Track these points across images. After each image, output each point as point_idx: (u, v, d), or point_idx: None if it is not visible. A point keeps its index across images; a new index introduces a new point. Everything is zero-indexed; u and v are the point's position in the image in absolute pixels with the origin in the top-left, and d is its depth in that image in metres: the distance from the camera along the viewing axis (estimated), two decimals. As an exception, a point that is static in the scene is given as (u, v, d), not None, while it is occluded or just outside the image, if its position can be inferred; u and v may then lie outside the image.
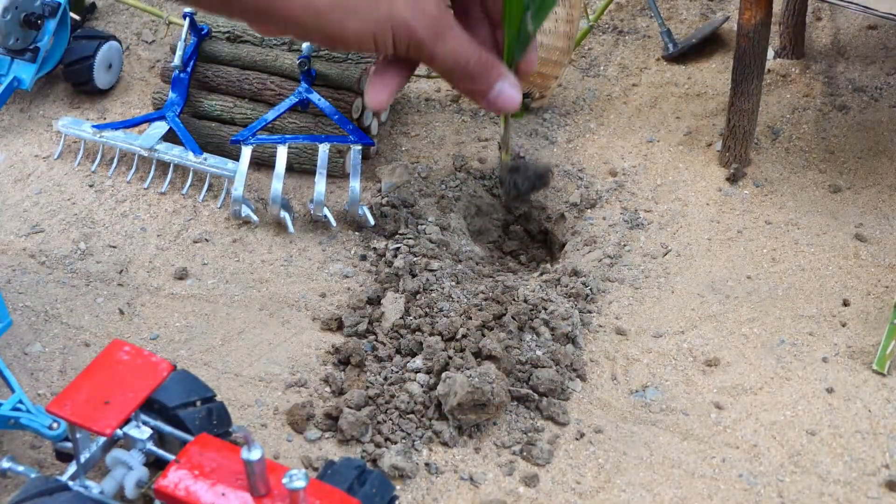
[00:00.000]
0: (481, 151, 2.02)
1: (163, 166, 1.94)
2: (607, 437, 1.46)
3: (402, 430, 1.44)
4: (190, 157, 1.90)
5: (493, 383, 1.41)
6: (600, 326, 1.64)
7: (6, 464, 1.28)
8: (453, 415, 1.43)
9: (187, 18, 2.00)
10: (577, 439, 1.45)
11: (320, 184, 1.82)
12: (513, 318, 1.56)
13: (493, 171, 1.97)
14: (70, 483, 1.21)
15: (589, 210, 1.92)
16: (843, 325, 1.64)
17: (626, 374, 1.56)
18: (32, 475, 1.25)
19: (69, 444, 1.29)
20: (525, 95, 1.82)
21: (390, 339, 1.58)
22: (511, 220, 1.97)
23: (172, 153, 1.92)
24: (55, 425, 1.31)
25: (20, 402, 1.34)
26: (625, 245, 1.82)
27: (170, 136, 1.95)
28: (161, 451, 1.24)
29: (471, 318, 1.54)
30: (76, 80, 2.14)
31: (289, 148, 1.89)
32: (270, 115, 1.92)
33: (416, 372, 1.51)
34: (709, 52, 2.33)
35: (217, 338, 1.61)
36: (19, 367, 1.54)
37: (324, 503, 1.12)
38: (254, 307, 1.67)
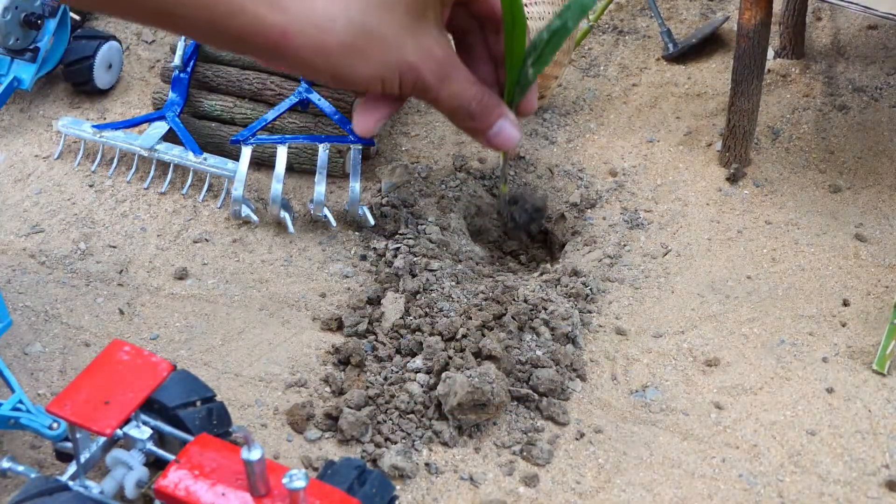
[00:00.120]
0: (481, 151, 2.02)
1: (163, 166, 1.94)
2: (607, 437, 1.46)
3: (402, 430, 1.44)
4: (190, 157, 1.90)
5: (493, 383, 1.41)
6: (600, 326, 1.64)
7: (6, 464, 1.28)
8: (453, 415, 1.43)
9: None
10: (577, 439, 1.45)
11: (320, 184, 1.82)
12: (513, 318, 1.56)
13: (492, 172, 1.97)
14: (70, 483, 1.21)
15: (589, 210, 1.92)
16: (843, 325, 1.64)
17: (626, 374, 1.56)
18: (32, 475, 1.25)
19: (69, 444, 1.29)
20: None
21: (390, 339, 1.58)
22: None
23: (172, 153, 1.92)
24: (55, 425, 1.31)
25: (20, 402, 1.34)
26: (625, 245, 1.82)
27: (170, 136, 1.95)
28: (161, 451, 1.24)
29: (471, 318, 1.54)
30: (76, 80, 2.14)
31: (289, 148, 1.89)
32: (270, 115, 1.92)
33: (416, 372, 1.51)
34: (709, 52, 2.33)
35: (217, 338, 1.61)
36: (19, 367, 1.54)
37: (324, 503, 1.12)
38: (254, 307, 1.67)
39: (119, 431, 1.22)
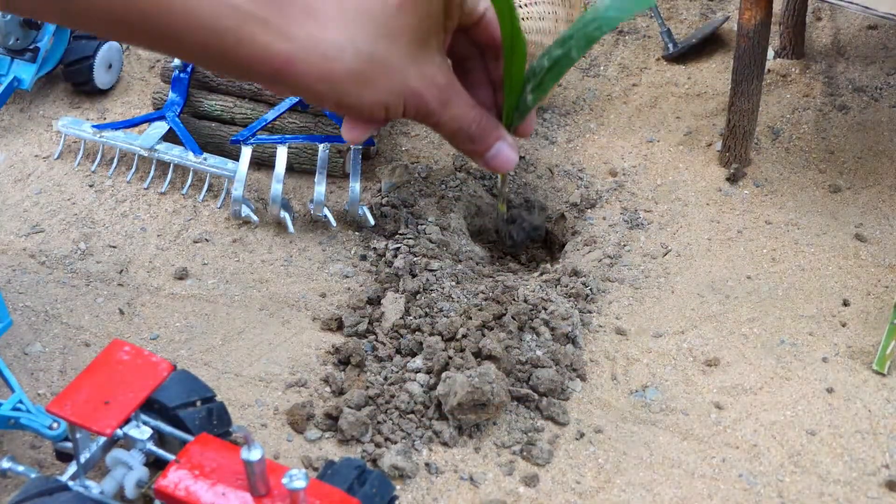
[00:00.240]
0: (481, 151, 2.02)
1: (163, 166, 1.94)
2: (607, 437, 1.46)
3: (402, 430, 1.44)
4: (190, 157, 1.90)
5: (493, 383, 1.41)
6: (600, 326, 1.64)
7: (6, 464, 1.28)
8: (453, 415, 1.42)
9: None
10: (577, 439, 1.45)
11: (320, 184, 1.82)
12: (513, 318, 1.56)
13: (493, 173, 1.97)
14: (70, 483, 1.21)
15: (589, 210, 1.92)
16: (843, 325, 1.64)
17: (626, 374, 1.56)
18: (32, 475, 1.25)
19: (69, 444, 1.29)
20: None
21: (390, 339, 1.58)
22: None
23: (172, 153, 1.92)
24: (55, 425, 1.31)
25: (20, 402, 1.34)
26: (625, 245, 1.82)
27: (170, 136, 1.95)
28: (161, 451, 1.24)
29: (471, 318, 1.54)
30: (76, 80, 2.14)
31: (289, 148, 1.89)
32: (270, 115, 1.92)
33: (416, 372, 1.51)
34: (709, 52, 2.33)
35: (217, 338, 1.61)
36: (19, 367, 1.54)
37: (324, 503, 1.12)
38: (254, 307, 1.67)
39: (119, 431, 1.22)
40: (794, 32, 2.25)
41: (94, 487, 1.22)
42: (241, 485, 1.12)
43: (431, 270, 1.69)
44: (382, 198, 1.87)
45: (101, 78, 2.15)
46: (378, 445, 1.42)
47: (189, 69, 2.02)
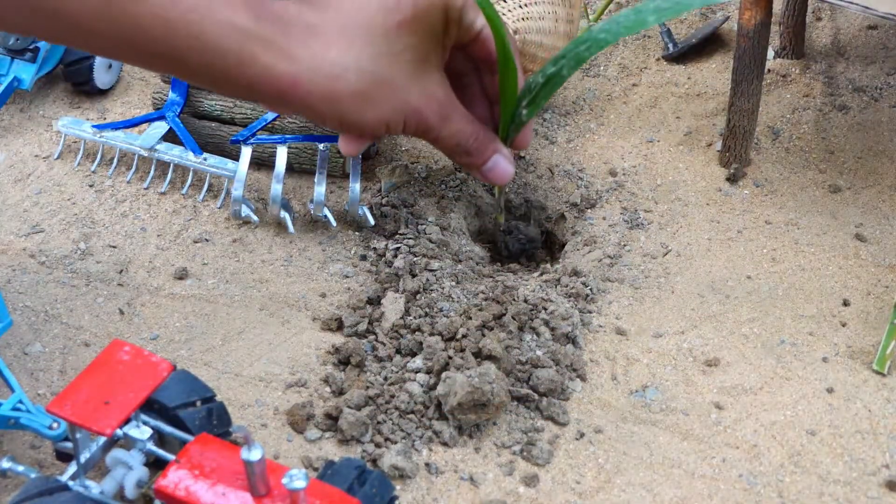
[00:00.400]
0: (481, 151, 2.02)
1: (163, 166, 1.94)
2: (607, 437, 1.46)
3: (402, 430, 1.44)
4: (190, 157, 1.90)
5: (493, 383, 1.41)
6: (600, 326, 1.64)
7: (6, 464, 1.28)
8: (453, 415, 1.43)
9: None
10: (577, 439, 1.45)
11: (320, 184, 1.82)
12: (513, 318, 1.56)
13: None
14: (70, 483, 1.21)
15: (589, 210, 1.92)
16: (843, 325, 1.64)
17: (626, 374, 1.56)
18: (32, 475, 1.25)
19: (69, 444, 1.29)
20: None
21: (390, 339, 1.58)
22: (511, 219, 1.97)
23: (172, 153, 1.92)
24: (55, 425, 1.31)
25: (20, 402, 1.34)
26: (625, 245, 1.82)
27: (170, 136, 1.95)
28: (161, 451, 1.24)
29: (471, 318, 1.54)
30: (76, 80, 2.14)
31: (289, 148, 1.89)
32: (270, 114, 1.92)
33: (416, 372, 1.51)
34: (709, 52, 2.33)
35: (217, 338, 1.61)
36: (19, 367, 1.54)
37: (324, 503, 1.12)
38: (254, 307, 1.67)
39: (119, 431, 1.22)
40: (794, 32, 2.25)
41: (94, 487, 1.22)
42: (241, 485, 1.12)
43: (431, 270, 1.69)
44: (382, 198, 1.87)
45: (101, 78, 2.15)
46: (378, 445, 1.42)
47: (189, 69, 2.02)
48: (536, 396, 1.48)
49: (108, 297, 1.69)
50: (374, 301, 1.67)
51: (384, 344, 1.57)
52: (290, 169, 1.93)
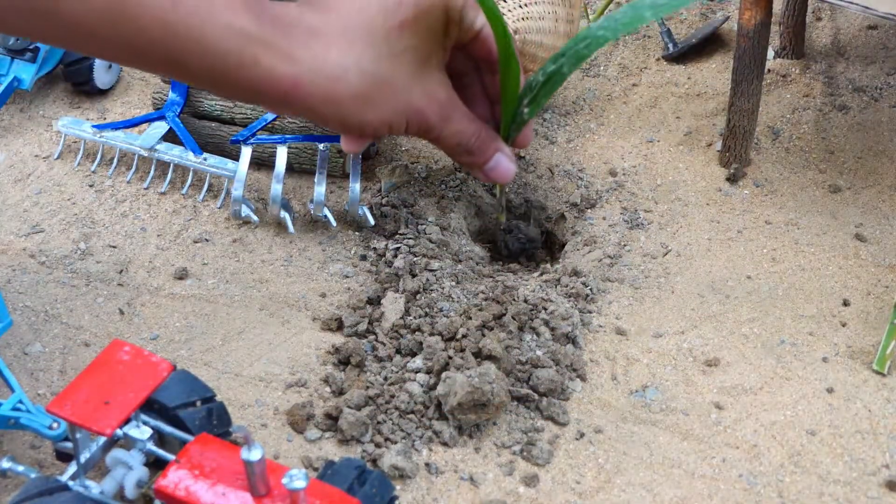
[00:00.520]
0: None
1: (163, 166, 1.94)
2: (607, 437, 1.46)
3: (402, 430, 1.44)
4: (190, 157, 1.90)
5: (493, 383, 1.41)
6: (600, 326, 1.64)
7: (6, 464, 1.28)
8: (453, 415, 1.42)
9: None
10: (577, 439, 1.45)
11: (320, 184, 1.82)
12: (513, 318, 1.56)
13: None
14: (70, 483, 1.21)
15: (589, 210, 1.92)
16: (843, 325, 1.64)
17: (626, 374, 1.56)
18: (32, 475, 1.25)
19: (69, 444, 1.29)
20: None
21: (390, 339, 1.58)
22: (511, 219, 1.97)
23: (172, 153, 1.92)
24: (55, 425, 1.31)
25: (20, 402, 1.34)
26: (625, 245, 1.82)
27: (170, 136, 1.95)
28: (161, 451, 1.24)
29: (471, 318, 1.54)
30: (76, 80, 2.14)
31: (289, 148, 1.89)
32: (270, 115, 1.92)
33: (416, 372, 1.51)
34: (709, 52, 2.33)
35: (217, 338, 1.61)
36: (19, 367, 1.54)
37: (324, 503, 1.12)
38: (254, 307, 1.67)
39: (119, 431, 1.22)
40: (794, 32, 2.25)
41: (94, 487, 1.22)
42: (241, 485, 1.12)
43: (431, 270, 1.69)
44: (382, 198, 1.87)
45: (101, 78, 2.15)
46: (378, 445, 1.42)
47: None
48: (536, 396, 1.48)
49: (108, 297, 1.69)
50: (374, 301, 1.67)
51: (384, 344, 1.57)
52: (290, 169, 1.93)
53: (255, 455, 1.08)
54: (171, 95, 2.00)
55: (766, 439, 1.45)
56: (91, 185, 1.94)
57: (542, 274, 1.76)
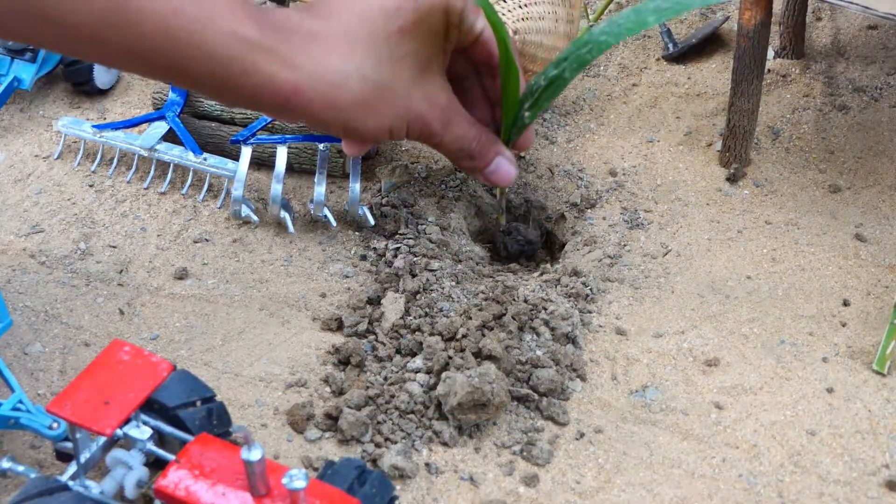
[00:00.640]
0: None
1: (163, 166, 1.94)
2: (607, 437, 1.46)
3: (402, 430, 1.44)
4: (190, 157, 1.90)
5: (493, 383, 1.41)
6: (600, 326, 1.64)
7: (6, 464, 1.28)
8: (453, 415, 1.43)
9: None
10: (577, 439, 1.45)
11: (320, 184, 1.82)
12: (513, 318, 1.56)
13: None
14: (70, 483, 1.21)
15: (589, 210, 1.92)
16: (843, 325, 1.64)
17: (626, 374, 1.56)
18: (32, 475, 1.25)
19: (69, 444, 1.29)
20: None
21: (390, 339, 1.58)
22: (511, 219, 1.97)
23: (172, 153, 1.92)
24: (55, 425, 1.31)
25: (20, 402, 1.34)
26: (625, 245, 1.82)
27: (170, 136, 1.95)
28: (161, 451, 1.24)
29: (471, 318, 1.54)
30: (76, 80, 2.14)
31: (289, 148, 1.89)
32: (270, 115, 1.92)
33: (416, 372, 1.51)
34: (709, 52, 2.33)
35: (217, 338, 1.61)
36: (19, 367, 1.54)
37: (324, 503, 1.12)
38: (254, 307, 1.67)
39: (119, 431, 1.22)
40: (794, 32, 2.25)
41: (94, 487, 1.22)
42: (241, 485, 1.12)
43: (431, 270, 1.69)
44: (382, 198, 1.87)
45: (101, 78, 2.15)
46: (378, 445, 1.42)
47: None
48: (536, 396, 1.48)
49: (108, 297, 1.69)
50: (374, 301, 1.67)
51: (384, 344, 1.57)
52: (290, 169, 1.93)
53: (255, 455, 1.08)
54: (171, 95, 2.00)
55: (766, 439, 1.45)
56: (91, 185, 1.94)
57: (542, 274, 1.76)
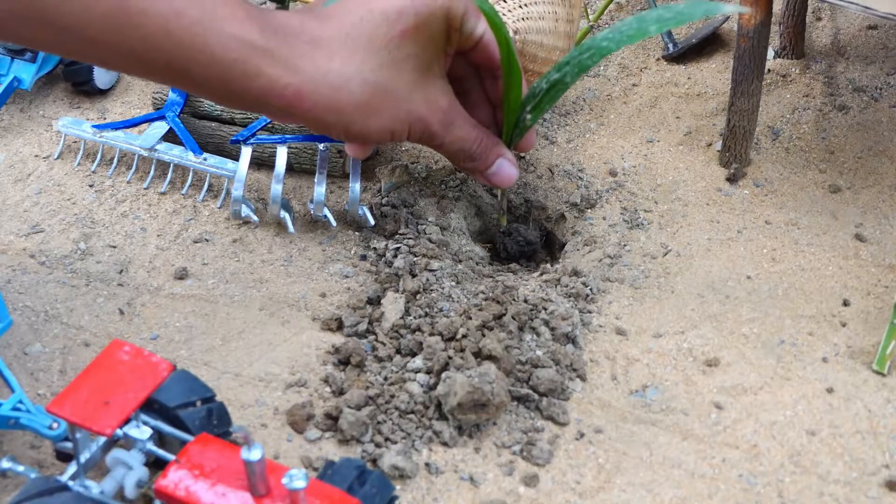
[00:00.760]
0: (481, 151, 2.02)
1: (163, 166, 1.95)
2: (607, 437, 1.46)
3: (402, 430, 1.44)
4: (190, 157, 1.90)
5: (493, 383, 1.41)
6: (600, 326, 1.64)
7: (6, 464, 1.28)
8: (453, 415, 1.43)
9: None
10: (577, 439, 1.45)
11: (320, 184, 1.82)
12: (513, 318, 1.56)
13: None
14: (70, 483, 1.21)
15: (589, 210, 1.92)
16: (843, 325, 1.64)
17: (626, 374, 1.56)
18: (32, 475, 1.25)
19: (69, 444, 1.29)
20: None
21: (390, 339, 1.58)
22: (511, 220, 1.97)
23: (172, 153, 1.92)
24: (55, 425, 1.31)
25: (20, 402, 1.34)
26: (625, 245, 1.82)
27: (170, 136, 1.95)
28: (161, 451, 1.24)
29: (471, 318, 1.54)
30: (76, 80, 2.14)
31: (289, 148, 1.89)
32: (270, 115, 1.92)
33: (416, 372, 1.51)
34: (709, 52, 2.34)
35: (217, 338, 1.61)
36: (19, 367, 1.54)
37: (324, 503, 1.12)
38: (254, 307, 1.67)
39: (119, 431, 1.22)
40: (794, 32, 2.25)
41: (94, 487, 1.22)
42: (241, 485, 1.12)
43: (431, 270, 1.69)
44: (382, 198, 1.87)
45: (101, 78, 2.15)
46: (378, 445, 1.42)
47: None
48: (536, 396, 1.48)
49: (108, 297, 1.69)
50: (374, 301, 1.67)
51: (384, 344, 1.57)
52: (290, 169, 1.93)
53: (255, 455, 1.08)
54: (171, 95, 2.00)
55: (766, 439, 1.45)
56: (91, 185, 1.94)
57: (542, 274, 1.76)
